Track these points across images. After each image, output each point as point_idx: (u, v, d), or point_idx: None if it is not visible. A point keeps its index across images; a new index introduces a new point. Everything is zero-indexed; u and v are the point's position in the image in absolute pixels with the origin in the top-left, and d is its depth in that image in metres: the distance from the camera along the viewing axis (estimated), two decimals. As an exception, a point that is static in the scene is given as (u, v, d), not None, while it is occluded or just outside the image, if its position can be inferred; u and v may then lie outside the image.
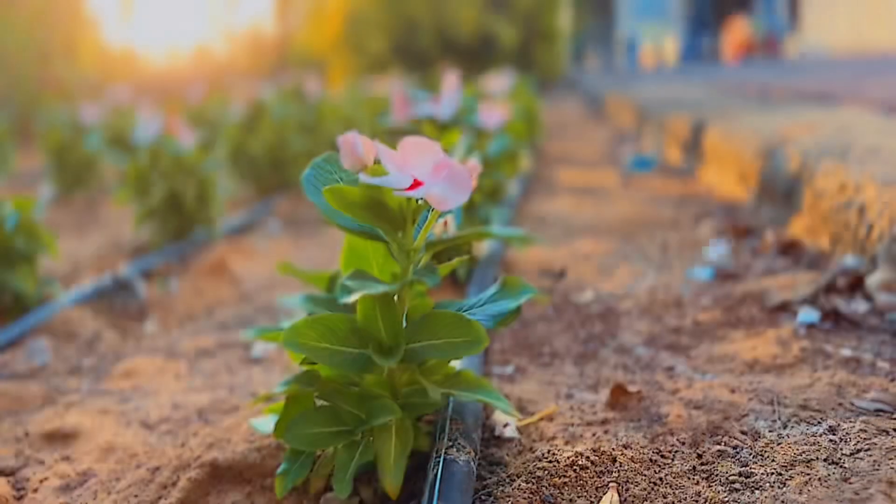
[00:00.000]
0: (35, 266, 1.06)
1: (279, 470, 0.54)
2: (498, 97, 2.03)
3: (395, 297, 0.53)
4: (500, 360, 0.72)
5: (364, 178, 0.50)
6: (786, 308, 0.77)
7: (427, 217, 0.54)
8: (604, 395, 0.62)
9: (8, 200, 1.03)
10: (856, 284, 0.78)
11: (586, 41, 15.44)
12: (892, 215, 0.81)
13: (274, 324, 1.02)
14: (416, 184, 0.51)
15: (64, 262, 1.51)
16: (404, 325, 0.53)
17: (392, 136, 1.05)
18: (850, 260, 0.87)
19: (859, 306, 0.73)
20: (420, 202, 0.53)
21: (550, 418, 0.59)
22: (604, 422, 0.58)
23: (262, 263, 1.37)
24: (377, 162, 0.52)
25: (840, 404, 0.56)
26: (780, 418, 0.55)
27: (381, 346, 0.52)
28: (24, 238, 1.03)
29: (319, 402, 0.57)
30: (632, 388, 0.61)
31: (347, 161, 0.53)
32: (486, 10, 6.86)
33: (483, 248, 1.15)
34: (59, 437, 0.68)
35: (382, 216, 0.52)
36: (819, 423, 0.54)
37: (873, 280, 0.75)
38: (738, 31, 11.85)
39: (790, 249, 1.00)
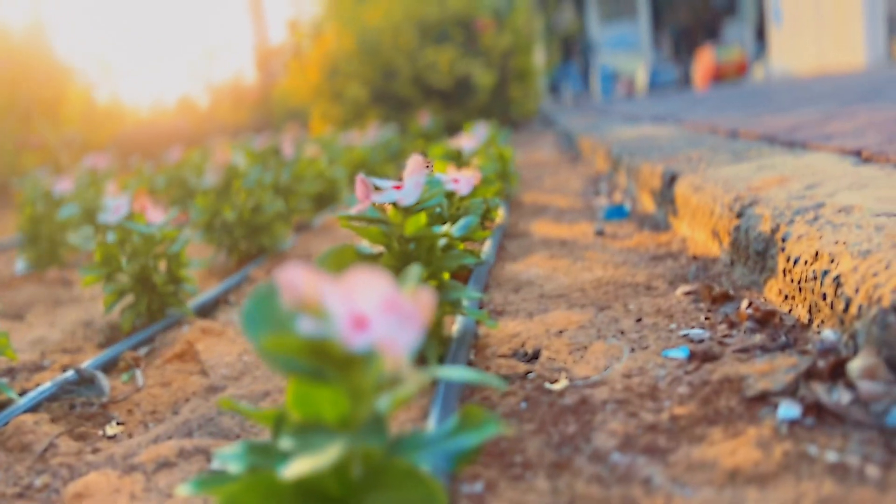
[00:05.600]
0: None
1: None
2: (470, 155, 2.02)
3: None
4: (470, 475, 0.68)
5: (303, 325, 0.47)
6: (765, 399, 0.74)
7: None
8: (577, 519, 0.59)
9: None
10: (837, 367, 0.75)
11: (563, 74, 15.70)
12: (870, 292, 0.78)
13: (238, 423, 0.98)
14: (360, 323, 0.48)
15: (31, 350, 1.46)
16: (355, 474, 0.50)
17: (356, 223, 1.03)
18: (829, 335, 0.84)
19: (842, 396, 0.70)
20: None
21: (520, 553, 0.55)
22: (577, 557, 0.54)
23: (233, 344, 1.33)
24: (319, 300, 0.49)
25: (826, 529, 0.53)
26: (762, 551, 0.51)
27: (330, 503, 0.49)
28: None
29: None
30: (606, 511, 0.58)
31: (287, 299, 0.50)
32: (461, 54, 6.94)
33: (455, 326, 1.12)
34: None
35: (328, 359, 0.49)
36: (804, 554, 0.50)
37: (855, 366, 0.72)
38: (706, 60, 12.06)
39: (767, 320, 0.98)
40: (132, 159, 4.65)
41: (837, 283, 0.87)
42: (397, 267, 1.01)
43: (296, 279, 0.49)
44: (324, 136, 4.56)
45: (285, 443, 0.48)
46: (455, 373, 0.51)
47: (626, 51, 16.77)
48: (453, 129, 6.06)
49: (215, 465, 0.84)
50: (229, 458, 0.51)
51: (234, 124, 7.17)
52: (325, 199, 2.96)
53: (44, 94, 5.38)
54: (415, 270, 0.53)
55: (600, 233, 1.78)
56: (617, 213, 1.98)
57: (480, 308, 1.28)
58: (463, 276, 1.45)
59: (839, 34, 10.31)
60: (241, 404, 1.04)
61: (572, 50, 12.81)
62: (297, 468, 0.43)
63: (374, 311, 0.48)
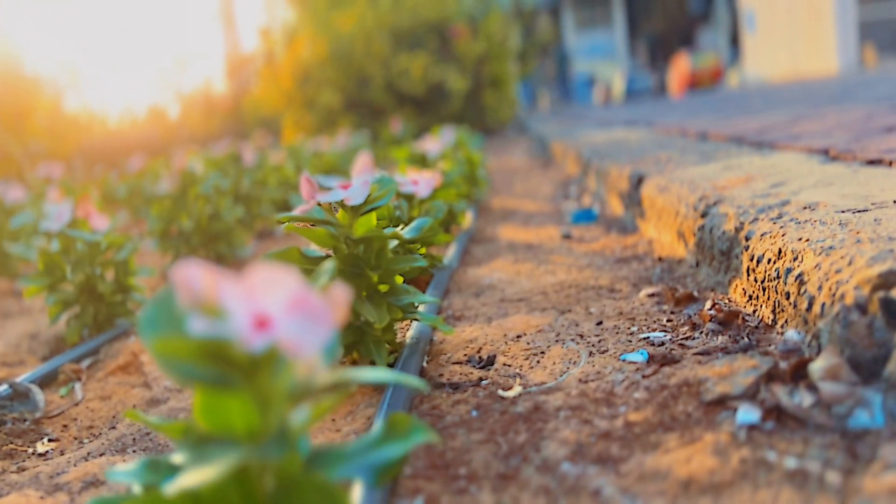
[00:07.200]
0: None
1: None
2: (435, 158, 1.98)
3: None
4: (410, 489, 0.63)
5: (197, 325, 0.42)
6: (724, 403, 0.70)
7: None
8: (519, 536, 0.54)
9: None
10: (799, 368, 0.72)
11: (539, 80, 15.76)
12: (833, 290, 0.75)
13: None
14: (263, 322, 0.43)
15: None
16: (268, 489, 0.45)
17: (299, 224, 0.98)
18: (792, 335, 0.81)
19: (804, 399, 0.67)
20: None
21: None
22: (515, 579, 0.49)
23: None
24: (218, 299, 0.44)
25: (782, 544, 0.49)
26: (714, 569, 0.47)
27: (233, 525, 0.44)
28: None
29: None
30: (550, 527, 0.53)
31: (184, 299, 0.45)
32: (435, 61, 6.91)
33: (409, 331, 1.07)
34: None
35: (229, 364, 0.44)
36: (759, 572, 0.46)
37: (816, 367, 0.68)
38: (681, 67, 12.16)
39: (730, 321, 0.94)
40: (97, 169, 4.56)
41: (800, 281, 0.83)
42: (345, 270, 0.96)
43: (192, 277, 0.44)
44: (293, 144, 4.50)
45: (179, 456, 0.43)
46: (371, 374, 0.46)
47: (603, 59, 16.89)
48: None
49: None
50: (124, 475, 0.46)
51: (204, 133, 7.07)
52: (291, 206, 2.90)
53: (8, 107, 5.26)
54: (328, 265, 0.48)
55: (567, 236, 1.74)
56: (585, 216, 1.95)
57: (439, 313, 1.23)
58: (424, 280, 1.41)
59: (812, 40, 10.45)
60: (180, 417, 0.98)
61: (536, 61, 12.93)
62: (181, 483, 0.38)
63: (279, 309, 0.43)
